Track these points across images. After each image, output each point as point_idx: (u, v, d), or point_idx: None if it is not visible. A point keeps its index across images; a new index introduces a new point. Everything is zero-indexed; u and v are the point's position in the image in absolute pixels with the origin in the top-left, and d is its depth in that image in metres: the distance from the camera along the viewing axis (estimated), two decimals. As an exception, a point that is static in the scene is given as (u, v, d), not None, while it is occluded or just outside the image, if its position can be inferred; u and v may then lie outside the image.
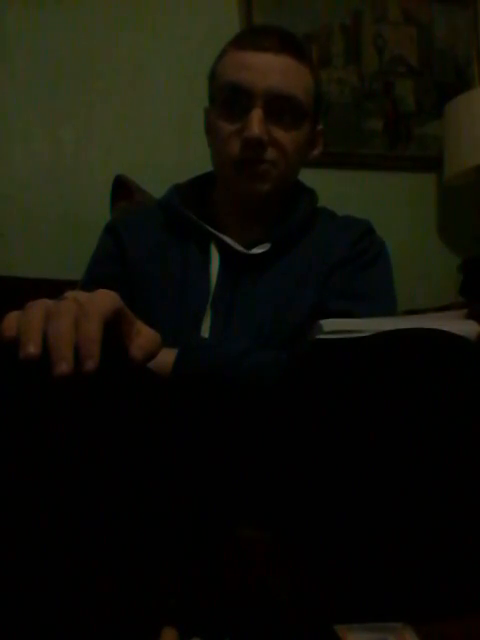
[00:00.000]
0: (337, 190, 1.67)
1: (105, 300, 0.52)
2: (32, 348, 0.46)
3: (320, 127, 0.98)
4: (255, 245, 0.94)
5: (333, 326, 0.66)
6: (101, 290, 0.54)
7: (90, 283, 0.96)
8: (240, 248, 0.93)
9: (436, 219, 1.85)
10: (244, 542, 0.64)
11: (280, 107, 0.87)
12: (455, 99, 1.67)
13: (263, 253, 0.93)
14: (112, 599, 0.53)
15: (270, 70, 0.86)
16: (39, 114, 1.55)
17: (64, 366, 0.46)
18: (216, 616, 0.59)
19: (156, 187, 1.21)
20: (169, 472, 0.60)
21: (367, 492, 0.59)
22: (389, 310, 0.92)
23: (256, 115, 0.85)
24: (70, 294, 0.53)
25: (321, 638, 0.55)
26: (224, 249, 0.93)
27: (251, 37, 0.90)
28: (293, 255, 0.95)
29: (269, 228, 0.96)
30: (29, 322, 0.48)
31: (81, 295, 0.53)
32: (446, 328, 0.61)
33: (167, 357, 0.79)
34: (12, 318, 0.49)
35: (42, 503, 0.50)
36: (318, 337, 0.66)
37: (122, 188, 1.37)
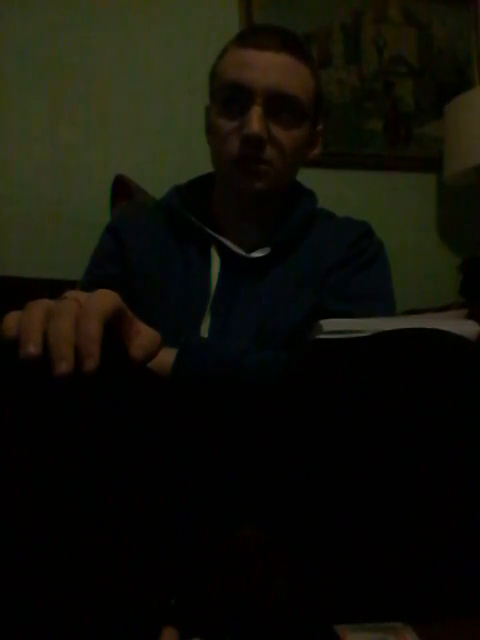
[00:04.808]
0: (337, 190, 1.68)
1: (105, 300, 0.52)
2: (32, 348, 0.46)
3: (320, 127, 0.98)
4: (255, 247, 0.94)
5: (333, 326, 0.66)
6: (101, 290, 0.54)
7: (90, 283, 0.96)
8: (240, 252, 0.93)
9: (436, 219, 1.86)
10: (244, 542, 0.64)
11: (280, 106, 0.87)
12: (455, 99, 1.68)
13: (263, 256, 0.93)
14: (112, 599, 0.53)
15: (271, 69, 0.86)
16: (39, 114, 1.56)
17: (64, 365, 0.46)
18: (216, 616, 0.59)
19: (156, 187, 1.21)
20: (169, 472, 0.60)
21: (367, 492, 0.59)
22: (388, 311, 0.92)
23: (256, 113, 0.85)
24: (70, 294, 0.53)
25: (321, 638, 0.55)
26: (224, 252, 0.93)
27: (252, 36, 0.90)
28: (292, 257, 0.95)
29: (269, 230, 0.96)
30: (29, 322, 0.48)
31: (81, 295, 0.53)
32: (446, 328, 0.61)
33: (167, 357, 0.79)
34: (12, 318, 0.49)
35: (42, 503, 0.50)
36: (318, 337, 0.66)
37: (122, 188, 1.37)
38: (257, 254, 0.93)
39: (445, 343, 0.60)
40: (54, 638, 0.50)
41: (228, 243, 0.93)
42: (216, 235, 0.93)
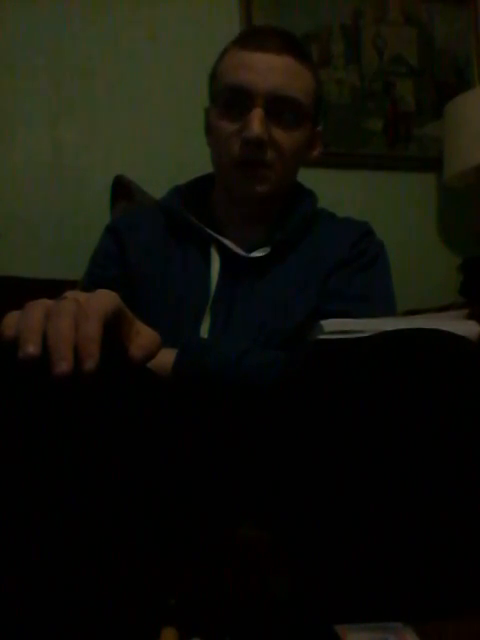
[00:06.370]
0: (337, 190, 1.68)
1: (105, 300, 0.52)
2: (32, 348, 0.46)
3: (319, 128, 0.98)
4: (255, 247, 0.94)
5: (333, 326, 0.66)
6: (101, 290, 0.54)
7: (90, 283, 0.96)
8: (240, 251, 0.93)
9: (436, 219, 1.85)
10: (244, 542, 0.64)
11: (281, 108, 0.87)
12: (455, 99, 1.67)
13: (263, 256, 0.93)
14: (112, 599, 0.53)
15: (272, 71, 0.86)
16: (39, 114, 1.56)
17: (64, 366, 0.46)
18: (216, 616, 0.59)
19: (156, 187, 1.21)
20: (169, 472, 0.60)
21: (367, 492, 0.59)
22: (388, 311, 0.92)
23: (257, 115, 0.85)
24: (70, 294, 0.53)
25: (321, 638, 0.55)
26: (224, 252, 0.93)
27: (253, 37, 0.89)
28: (293, 257, 0.95)
29: (269, 230, 0.96)
30: (29, 322, 0.48)
31: (81, 295, 0.53)
32: (446, 328, 0.61)
33: (167, 357, 0.79)
34: (12, 318, 0.49)
35: (42, 503, 0.50)
36: (318, 337, 0.66)
37: (122, 188, 1.37)
38: (257, 254, 0.93)
39: (446, 343, 0.60)
40: (54, 638, 0.50)
41: (228, 243, 0.93)
42: (216, 235, 0.93)
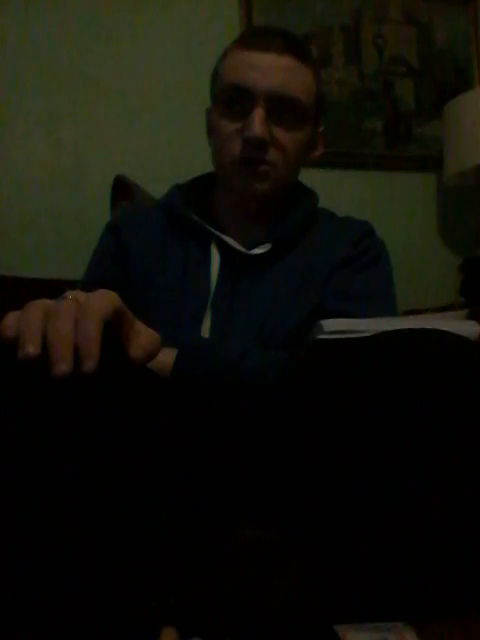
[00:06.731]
0: (337, 190, 1.68)
1: (105, 300, 0.52)
2: (31, 348, 0.46)
3: (321, 128, 0.98)
4: (256, 245, 0.94)
5: (334, 326, 0.66)
6: (101, 290, 0.54)
7: (90, 283, 0.96)
8: (240, 248, 0.93)
9: (436, 219, 1.86)
10: (244, 542, 0.64)
11: (282, 108, 0.87)
12: (455, 99, 1.68)
13: (263, 253, 0.93)
14: (112, 599, 0.53)
15: (273, 70, 0.86)
16: (39, 114, 1.56)
17: (63, 366, 0.46)
18: (216, 616, 0.59)
19: (156, 187, 1.21)
20: (169, 472, 0.60)
21: (368, 492, 0.59)
22: (389, 311, 0.92)
23: (258, 115, 0.85)
24: (70, 294, 0.53)
25: (321, 638, 0.55)
26: (224, 249, 0.93)
27: (254, 37, 0.90)
28: (293, 256, 0.95)
29: (270, 228, 0.96)
30: (29, 322, 0.48)
31: (81, 295, 0.53)
32: (446, 328, 0.61)
33: (167, 357, 0.79)
34: (12, 318, 0.49)
35: (42, 503, 0.50)
36: (319, 337, 0.66)
37: (122, 188, 1.37)
38: (258, 250, 0.93)
39: (446, 343, 0.60)
40: (54, 637, 0.50)
41: (228, 240, 0.93)
42: (216, 232, 0.93)
